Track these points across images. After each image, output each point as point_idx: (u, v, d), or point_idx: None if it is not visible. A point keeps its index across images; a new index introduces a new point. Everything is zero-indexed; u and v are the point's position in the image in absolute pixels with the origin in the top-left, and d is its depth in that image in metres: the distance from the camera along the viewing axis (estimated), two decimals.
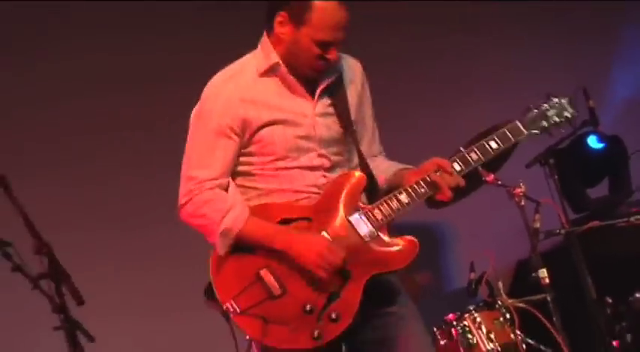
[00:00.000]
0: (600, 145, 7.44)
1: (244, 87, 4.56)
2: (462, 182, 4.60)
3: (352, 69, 4.76)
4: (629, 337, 6.53)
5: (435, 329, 6.15)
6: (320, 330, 4.42)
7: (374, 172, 4.69)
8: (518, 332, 5.98)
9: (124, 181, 7.30)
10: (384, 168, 4.75)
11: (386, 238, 4.53)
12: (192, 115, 4.63)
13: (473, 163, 4.66)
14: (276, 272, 4.46)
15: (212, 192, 4.53)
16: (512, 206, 6.03)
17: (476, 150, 4.66)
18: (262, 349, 4.58)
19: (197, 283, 4.73)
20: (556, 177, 6.45)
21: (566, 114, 4.86)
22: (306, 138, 4.57)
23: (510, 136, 4.74)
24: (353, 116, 4.68)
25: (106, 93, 7.30)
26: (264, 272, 4.45)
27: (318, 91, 4.62)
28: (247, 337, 4.77)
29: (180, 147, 4.65)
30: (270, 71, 4.59)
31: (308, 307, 4.43)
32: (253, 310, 4.42)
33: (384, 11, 7.82)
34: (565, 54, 7.98)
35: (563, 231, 6.30)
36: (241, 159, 4.60)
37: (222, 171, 4.56)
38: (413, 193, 4.54)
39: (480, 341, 6.01)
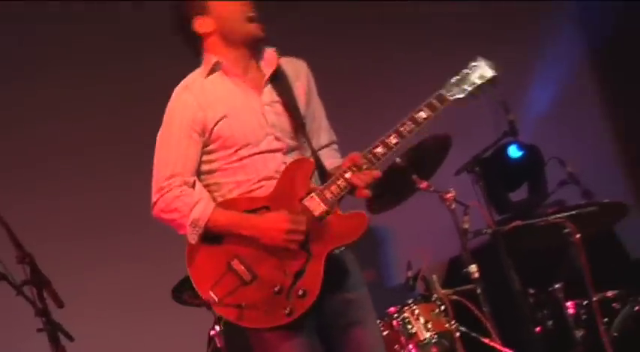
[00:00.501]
0: (519, 154, 7.52)
1: (197, 92, 4.62)
2: (376, 175, 4.51)
3: (297, 68, 4.79)
4: (550, 323, 6.65)
5: (378, 321, 6.21)
6: (291, 307, 4.45)
7: (325, 159, 4.72)
8: (453, 322, 6.02)
9: (98, 189, 7.35)
10: (331, 161, 4.76)
11: (339, 214, 4.54)
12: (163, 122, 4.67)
13: (406, 136, 4.55)
14: (245, 261, 4.48)
15: (180, 188, 4.56)
16: (443, 209, 6.09)
17: (408, 121, 4.54)
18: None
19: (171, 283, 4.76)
20: (482, 183, 6.51)
21: (487, 74, 4.75)
22: (259, 125, 4.60)
23: (438, 104, 4.62)
24: (302, 110, 4.70)
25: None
26: (234, 262, 4.47)
27: (263, 82, 4.66)
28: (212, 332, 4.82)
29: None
30: (213, 71, 4.66)
31: (277, 288, 4.46)
32: (229, 298, 4.44)
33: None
34: None
35: (489, 231, 6.36)
36: (205, 158, 4.63)
37: (188, 170, 4.60)
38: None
39: (418, 331, 6.06)
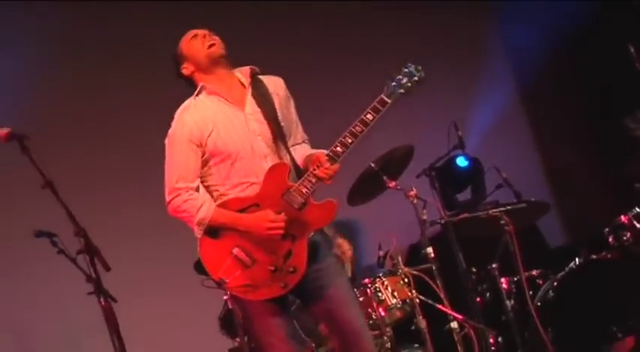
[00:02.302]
0: (466, 163, 7.45)
1: (192, 111, 4.58)
2: (335, 168, 4.45)
3: (274, 83, 4.73)
4: (488, 295, 6.59)
5: (355, 290, 6.15)
6: (285, 281, 4.46)
7: (297, 156, 4.68)
8: (414, 292, 5.98)
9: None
10: (301, 154, 4.70)
11: (314, 203, 4.51)
12: (166, 142, 4.62)
13: (358, 135, 4.48)
14: (244, 249, 4.47)
15: (188, 194, 4.53)
16: (407, 204, 6.05)
17: (358, 123, 4.48)
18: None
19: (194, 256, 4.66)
20: (436, 184, 6.51)
21: (415, 78, 4.65)
22: (244, 132, 4.55)
23: (380, 107, 4.52)
24: (280, 117, 4.65)
25: None
26: (236, 251, 4.46)
27: (245, 96, 4.61)
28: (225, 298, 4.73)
29: None
30: (200, 93, 4.61)
31: (272, 267, 4.46)
32: (236, 279, 4.44)
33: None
34: (439, 92, 7.99)
35: (442, 221, 6.33)
36: (204, 165, 4.58)
37: (193, 177, 4.56)
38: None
39: (387, 298, 6.04)
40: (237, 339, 5.92)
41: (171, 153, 4.59)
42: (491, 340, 6.20)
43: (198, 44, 4.63)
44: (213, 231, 4.53)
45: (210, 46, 4.61)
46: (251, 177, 4.55)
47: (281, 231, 4.45)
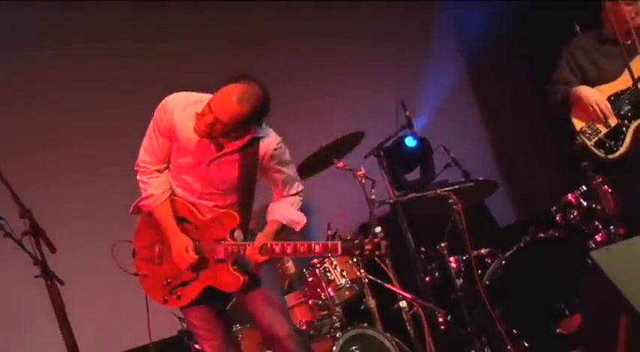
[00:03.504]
0: (414, 143, 7.50)
1: (178, 110, 4.57)
2: (262, 259, 4.55)
3: (268, 154, 4.65)
4: (437, 274, 6.69)
5: (304, 270, 6.20)
6: (168, 298, 4.72)
7: (269, 209, 4.80)
8: (363, 271, 6.02)
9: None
10: (274, 209, 4.82)
11: (230, 268, 4.61)
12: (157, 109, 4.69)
13: (297, 254, 4.63)
14: (162, 249, 4.72)
15: (147, 176, 4.71)
16: (356, 184, 6.09)
17: (305, 245, 4.57)
18: None
19: None
20: (385, 164, 6.49)
21: (376, 253, 4.58)
22: (201, 175, 4.65)
23: (331, 251, 4.66)
24: (254, 176, 4.67)
25: None
26: (157, 246, 4.74)
27: (223, 151, 4.59)
28: None
29: None
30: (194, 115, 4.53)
31: (168, 281, 4.71)
32: (143, 264, 4.77)
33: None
34: (386, 73, 8.05)
35: (391, 201, 6.35)
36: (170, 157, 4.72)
37: (160, 160, 4.70)
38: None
39: (336, 277, 6.12)
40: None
41: (148, 133, 4.69)
42: (440, 318, 6.27)
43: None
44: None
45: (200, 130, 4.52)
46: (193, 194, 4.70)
47: (183, 266, 4.62)
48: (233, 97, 4.34)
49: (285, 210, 4.78)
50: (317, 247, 4.55)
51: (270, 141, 4.61)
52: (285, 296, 5.74)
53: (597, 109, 5.56)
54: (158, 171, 4.72)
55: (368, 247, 4.51)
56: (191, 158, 4.61)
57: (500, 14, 8.56)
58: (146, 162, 4.71)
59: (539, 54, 8.40)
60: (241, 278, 4.58)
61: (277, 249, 4.54)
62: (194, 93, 4.63)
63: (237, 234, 4.67)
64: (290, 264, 6.48)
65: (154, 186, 4.69)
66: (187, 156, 4.61)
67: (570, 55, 5.80)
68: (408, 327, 6.04)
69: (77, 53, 7.28)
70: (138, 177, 4.73)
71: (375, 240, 4.54)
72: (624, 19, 5.52)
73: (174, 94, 4.64)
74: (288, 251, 4.56)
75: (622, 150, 5.55)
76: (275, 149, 4.63)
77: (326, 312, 6.07)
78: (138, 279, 4.79)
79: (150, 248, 4.74)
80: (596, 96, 5.59)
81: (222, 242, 4.60)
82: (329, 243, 4.60)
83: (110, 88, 7.17)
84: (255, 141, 4.59)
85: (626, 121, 5.57)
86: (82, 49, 7.28)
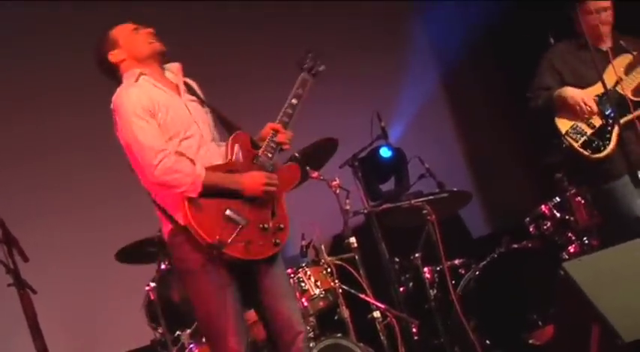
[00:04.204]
0: (389, 154, 7.55)
1: (137, 87, 4.56)
2: (291, 134, 4.73)
3: (194, 85, 4.82)
4: (410, 284, 6.70)
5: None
6: (276, 239, 4.55)
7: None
8: (337, 281, 6.00)
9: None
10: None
11: (280, 166, 4.71)
12: (115, 124, 4.54)
13: (296, 107, 4.81)
14: (236, 210, 4.45)
15: (175, 155, 4.45)
16: (330, 194, 6.08)
17: (293, 97, 4.83)
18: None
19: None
20: (360, 174, 6.52)
21: (320, 66, 4.98)
22: (186, 116, 4.60)
23: (305, 83, 4.91)
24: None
25: None
26: (229, 212, 4.43)
27: (178, 86, 4.67)
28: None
29: None
30: (139, 77, 4.59)
31: (264, 226, 4.51)
32: (236, 239, 4.40)
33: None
34: (361, 84, 8.09)
35: (365, 211, 6.37)
36: None
37: (164, 141, 4.48)
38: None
39: (310, 288, 6.04)
40: (160, 330, 5.97)
41: (138, 124, 4.45)
42: (413, 329, 6.28)
43: (141, 37, 4.67)
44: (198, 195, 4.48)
45: (152, 41, 4.67)
46: (194, 157, 4.55)
47: (276, 188, 4.56)
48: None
49: None
50: (299, 90, 4.86)
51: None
52: None
53: (584, 106, 5.59)
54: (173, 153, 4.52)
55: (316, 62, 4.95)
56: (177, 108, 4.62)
57: (473, 27, 8.62)
58: (165, 144, 4.47)
59: (512, 65, 8.50)
60: (293, 164, 4.78)
61: (285, 117, 4.76)
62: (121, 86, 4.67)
63: (256, 139, 4.73)
64: None
65: (184, 159, 4.48)
66: (175, 110, 4.58)
67: (549, 61, 5.84)
68: (382, 337, 6.03)
69: (48, 63, 7.27)
70: (167, 165, 4.39)
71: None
72: (592, 23, 5.63)
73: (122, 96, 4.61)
74: (289, 111, 4.78)
75: (609, 149, 5.58)
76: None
77: None
78: (246, 257, 4.44)
79: (227, 223, 4.42)
80: (582, 93, 5.64)
81: (259, 154, 4.64)
82: (300, 81, 4.90)
83: (84, 98, 7.15)
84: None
85: (610, 121, 5.62)
86: (53, 59, 7.27)
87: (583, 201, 6.29)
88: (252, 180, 4.52)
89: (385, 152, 7.51)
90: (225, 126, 4.76)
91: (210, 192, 4.45)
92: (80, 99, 7.21)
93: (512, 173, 8.96)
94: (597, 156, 5.59)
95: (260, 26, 8.11)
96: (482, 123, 9.09)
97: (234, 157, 4.62)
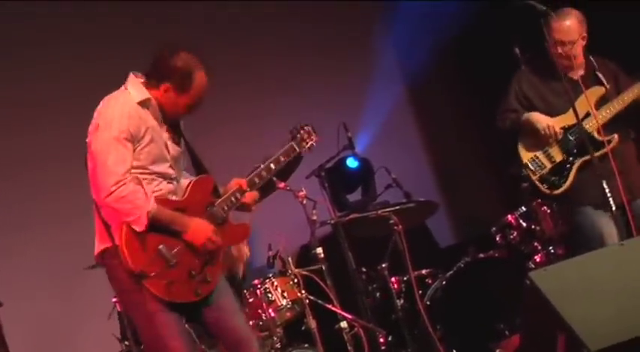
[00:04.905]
0: (356, 164, 7.56)
1: (133, 107, 4.50)
2: (256, 195, 4.86)
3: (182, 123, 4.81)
4: (378, 294, 6.71)
5: (245, 291, 6.19)
6: (199, 289, 4.53)
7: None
8: (303, 292, 6.02)
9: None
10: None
11: (231, 222, 4.72)
12: (94, 128, 4.50)
13: (272, 171, 4.91)
14: (170, 247, 4.45)
15: (132, 183, 4.43)
16: (297, 204, 6.08)
17: (273, 161, 4.92)
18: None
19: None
20: (326, 185, 6.52)
21: (313, 140, 5.19)
22: (163, 153, 4.59)
23: (291, 153, 5.04)
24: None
25: None
26: (162, 247, 4.43)
27: (165, 125, 4.64)
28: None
29: None
30: (144, 103, 4.54)
31: (193, 272, 4.50)
32: (159, 276, 4.41)
33: None
34: (327, 94, 8.10)
35: (332, 221, 6.37)
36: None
37: (129, 168, 4.46)
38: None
39: (277, 298, 6.10)
40: (126, 342, 5.95)
41: (114, 145, 4.43)
42: (381, 339, 6.31)
43: (185, 112, 4.64)
44: None
45: (186, 114, 4.66)
46: (159, 192, 4.56)
47: (216, 247, 4.55)
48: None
49: None
50: (281, 158, 4.97)
51: None
52: None
53: (549, 131, 5.56)
54: (132, 180, 4.50)
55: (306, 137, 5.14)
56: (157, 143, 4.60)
57: (439, 37, 8.66)
58: (128, 173, 4.46)
59: (477, 76, 8.56)
60: (246, 224, 4.78)
61: (257, 178, 4.84)
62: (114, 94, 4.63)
63: (219, 190, 4.74)
64: (246, 249, 6.50)
65: (140, 191, 4.47)
66: (155, 142, 4.57)
67: (518, 85, 5.79)
68: (349, 348, 6.04)
69: (18, 76, 7.24)
70: (121, 194, 4.38)
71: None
72: (556, 53, 5.57)
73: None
74: (264, 174, 4.87)
75: (565, 186, 5.59)
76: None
77: (267, 333, 6.07)
78: (162, 296, 4.44)
79: (156, 257, 4.44)
80: (548, 120, 5.61)
81: (215, 204, 4.65)
82: (287, 148, 5.03)
83: (51, 114, 7.14)
84: None
85: (570, 158, 5.61)
86: (21, 72, 7.24)
87: (549, 211, 6.34)
88: (199, 229, 4.53)
89: (352, 162, 7.52)
90: (195, 167, 4.78)
91: (155, 226, 4.47)
92: (50, 115, 7.18)
93: (478, 183, 8.99)
94: (554, 192, 5.62)
95: (222, 34, 8.09)
96: (448, 134, 9.12)
97: (188, 197, 4.63)
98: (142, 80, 4.63)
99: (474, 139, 8.81)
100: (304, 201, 6.09)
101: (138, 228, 4.39)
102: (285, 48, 8.07)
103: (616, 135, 5.57)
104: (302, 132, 5.14)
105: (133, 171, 4.47)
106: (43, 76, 7.22)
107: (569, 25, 5.55)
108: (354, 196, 7.90)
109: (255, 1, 8.24)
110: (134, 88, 4.58)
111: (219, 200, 4.67)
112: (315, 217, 6.15)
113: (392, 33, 9.00)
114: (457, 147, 9.07)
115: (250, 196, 4.81)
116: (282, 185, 6.03)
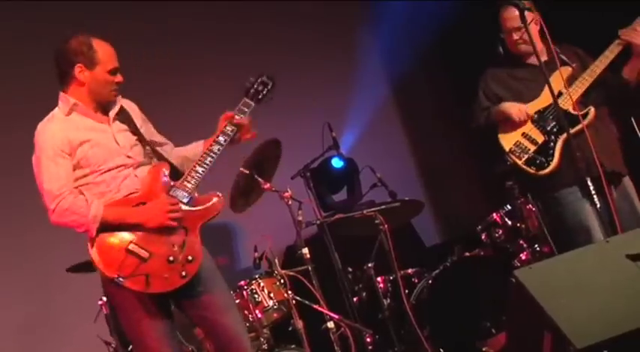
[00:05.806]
0: (341, 164, 7.55)
1: (61, 122, 4.61)
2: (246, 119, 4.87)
3: (132, 107, 4.87)
4: (364, 294, 6.71)
5: (232, 292, 6.18)
6: (184, 270, 4.51)
7: (170, 154, 4.89)
8: (290, 293, 6.02)
9: None
10: (177, 149, 4.97)
11: (199, 197, 4.67)
12: (37, 152, 4.62)
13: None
14: (139, 243, 4.49)
15: (72, 195, 4.53)
16: (283, 205, 6.09)
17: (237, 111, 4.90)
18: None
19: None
20: (311, 185, 6.56)
21: (269, 87, 5.09)
22: (114, 147, 4.66)
23: (245, 109, 4.94)
24: (144, 134, 4.80)
25: None
26: (132, 246, 4.47)
27: (111, 118, 4.72)
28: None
29: None
30: (72, 111, 4.64)
31: (170, 258, 4.51)
32: (135, 274, 4.43)
33: None
34: (312, 94, 8.10)
35: (318, 222, 6.38)
36: (77, 173, 4.60)
37: (68, 182, 4.55)
38: (214, 148, 4.74)
39: (263, 299, 6.11)
40: (113, 345, 5.95)
41: (46, 162, 4.55)
42: (367, 339, 6.30)
43: (111, 83, 4.68)
44: (104, 230, 4.51)
45: (115, 89, 4.71)
46: (119, 187, 4.64)
47: (179, 214, 4.54)
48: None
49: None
50: (243, 110, 4.91)
51: (126, 99, 4.88)
52: None
53: (521, 115, 5.62)
54: (72, 193, 4.58)
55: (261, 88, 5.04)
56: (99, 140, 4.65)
57: (423, 37, 8.68)
58: (64, 187, 4.56)
59: (462, 75, 8.55)
60: (216, 193, 4.71)
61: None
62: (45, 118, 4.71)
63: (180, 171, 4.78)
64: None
65: (87, 196, 4.57)
66: (98, 143, 4.64)
67: (485, 84, 5.87)
68: (336, 348, 6.04)
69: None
70: (63, 209, 4.50)
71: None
72: (512, 41, 5.71)
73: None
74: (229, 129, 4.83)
75: (552, 165, 5.61)
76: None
77: (253, 334, 6.06)
78: (148, 291, 4.48)
79: (129, 257, 4.47)
80: (519, 105, 5.66)
81: (174, 186, 4.66)
82: (241, 105, 4.95)
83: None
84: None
85: (552, 136, 5.65)
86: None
87: (534, 209, 6.35)
88: (152, 211, 4.55)
89: (337, 162, 7.52)
90: (154, 154, 4.82)
91: (115, 227, 4.51)
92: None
93: (463, 181, 9.01)
94: (542, 172, 5.62)
95: (207, 36, 8.09)
96: (433, 133, 9.14)
97: (146, 189, 4.66)
98: (61, 90, 4.70)
99: (459, 138, 8.83)
100: (290, 202, 6.10)
101: (91, 235, 4.48)
102: (269, 48, 8.05)
103: (592, 108, 5.62)
104: (256, 85, 5.06)
105: (84, 179, 4.59)
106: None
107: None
108: (340, 196, 7.90)
109: (240, 1, 8.23)
110: (61, 102, 4.70)
111: (180, 180, 4.67)
112: (300, 218, 6.14)
113: (376, 33, 9.01)
114: (442, 146, 9.08)
115: (245, 119, 4.85)
116: (267, 186, 6.04)
